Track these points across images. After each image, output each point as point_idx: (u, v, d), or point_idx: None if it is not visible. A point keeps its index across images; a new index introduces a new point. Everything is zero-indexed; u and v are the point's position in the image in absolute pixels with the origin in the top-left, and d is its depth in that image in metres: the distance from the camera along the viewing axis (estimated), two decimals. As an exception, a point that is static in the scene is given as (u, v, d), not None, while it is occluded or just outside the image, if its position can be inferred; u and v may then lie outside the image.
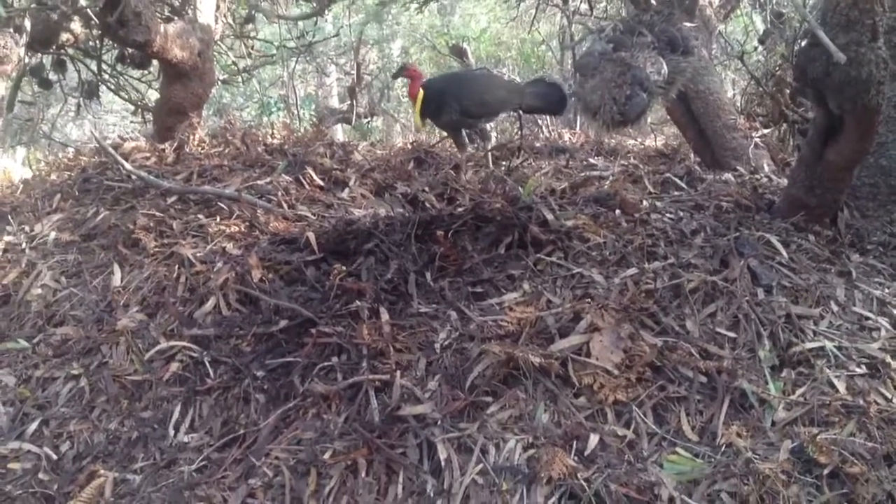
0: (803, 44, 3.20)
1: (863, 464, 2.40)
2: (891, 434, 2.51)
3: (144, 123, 7.43)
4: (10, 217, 4.13)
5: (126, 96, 7.19)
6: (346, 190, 4.19)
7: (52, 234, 3.75)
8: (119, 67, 6.59)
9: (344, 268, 3.13)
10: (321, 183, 4.22)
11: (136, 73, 7.12)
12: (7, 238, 3.85)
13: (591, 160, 5.03)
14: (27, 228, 3.91)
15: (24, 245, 3.76)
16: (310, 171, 4.24)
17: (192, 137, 4.86)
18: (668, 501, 2.33)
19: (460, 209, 3.47)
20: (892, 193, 3.72)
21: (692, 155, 5.06)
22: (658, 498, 2.34)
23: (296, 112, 10.25)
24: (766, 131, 5.14)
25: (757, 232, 3.30)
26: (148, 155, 4.50)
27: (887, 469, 2.43)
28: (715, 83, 4.82)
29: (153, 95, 7.19)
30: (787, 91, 5.44)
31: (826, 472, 2.39)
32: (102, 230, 3.70)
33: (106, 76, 6.61)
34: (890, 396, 2.66)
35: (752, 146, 4.73)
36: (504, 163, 4.71)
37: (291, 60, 9.93)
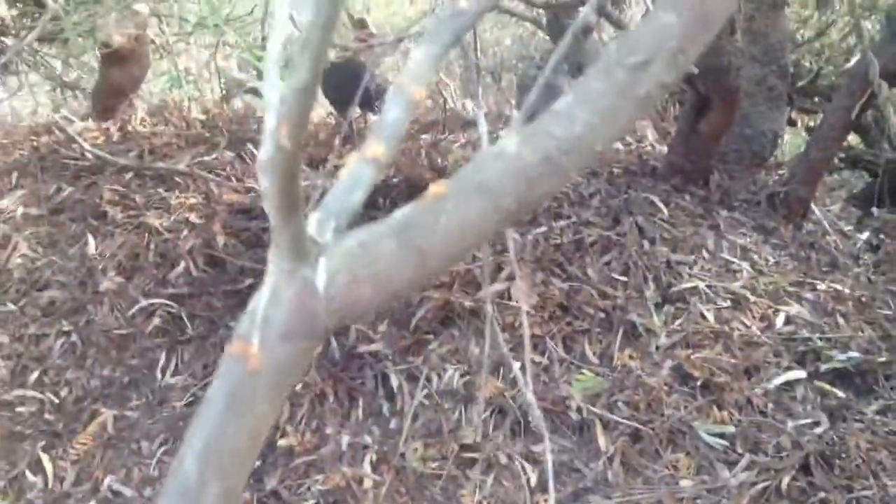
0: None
1: (727, 376, 3.01)
2: (749, 353, 3.13)
3: (65, 100, 7.56)
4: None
5: (44, 73, 7.31)
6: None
7: (20, 210, 4.05)
8: (35, 45, 6.74)
9: (297, 232, 3.58)
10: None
11: (52, 50, 7.25)
12: (-27, 214, 4.14)
13: (500, 133, 5.53)
14: (-8, 204, 4.20)
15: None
16: (250, 146, 4.63)
17: (132, 117, 5.16)
18: (577, 410, 2.89)
19: (395, 179, 3.95)
20: (755, 158, 4.36)
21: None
22: (569, 408, 2.90)
23: (218, 87, 10.44)
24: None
25: (643, 193, 3.87)
26: (97, 134, 4.79)
27: (747, 380, 3.05)
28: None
29: (70, 73, 7.34)
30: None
31: (699, 383, 2.99)
32: (69, 205, 4.02)
33: (25, 54, 6.76)
34: (749, 324, 3.27)
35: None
36: (424, 136, 5.17)
37: (207, 35, 10.08)
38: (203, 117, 5.34)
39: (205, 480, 0.61)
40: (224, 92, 9.67)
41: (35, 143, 4.78)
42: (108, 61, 5.45)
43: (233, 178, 4.24)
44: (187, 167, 4.26)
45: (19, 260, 3.73)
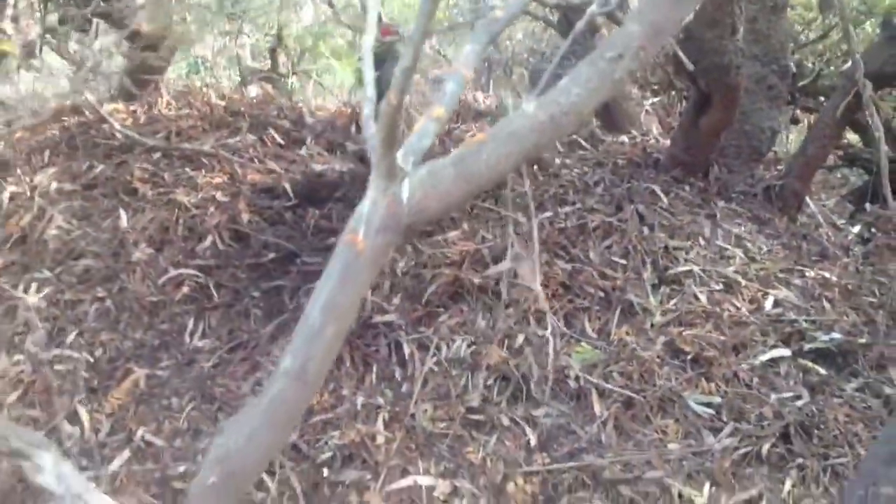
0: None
1: (716, 352, 3.24)
2: (738, 332, 3.36)
3: (90, 82, 7.79)
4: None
5: (68, 57, 7.55)
6: (304, 148, 4.84)
7: (54, 185, 4.30)
8: (60, 29, 6.98)
9: (318, 211, 3.82)
10: (281, 142, 4.86)
11: (75, 35, 7.47)
12: (11, 188, 4.38)
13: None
14: (27, 179, 4.44)
15: (28, 193, 4.29)
16: (271, 131, 4.88)
17: (158, 100, 5.40)
18: (575, 379, 3.12)
19: (410, 164, 4.17)
20: (753, 153, 4.58)
21: (594, 119, 5.83)
22: (568, 377, 3.13)
23: (235, 74, 10.68)
24: (655, 99, 5.95)
25: (644, 183, 4.09)
26: (125, 116, 5.04)
27: (734, 356, 3.27)
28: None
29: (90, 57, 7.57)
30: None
31: (689, 357, 3.22)
32: (101, 181, 4.26)
33: (48, 37, 6.99)
34: (739, 306, 3.50)
35: (643, 113, 5.55)
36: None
37: (225, 24, 10.31)
38: (223, 102, 5.56)
39: (324, 324, 0.90)
40: (241, 78, 9.91)
41: (65, 123, 5.02)
42: (137, 47, 5.70)
43: (255, 160, 4.47)
44: (212, 148, 4.50)
45: (55, 231, 3.97)
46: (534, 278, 3.47)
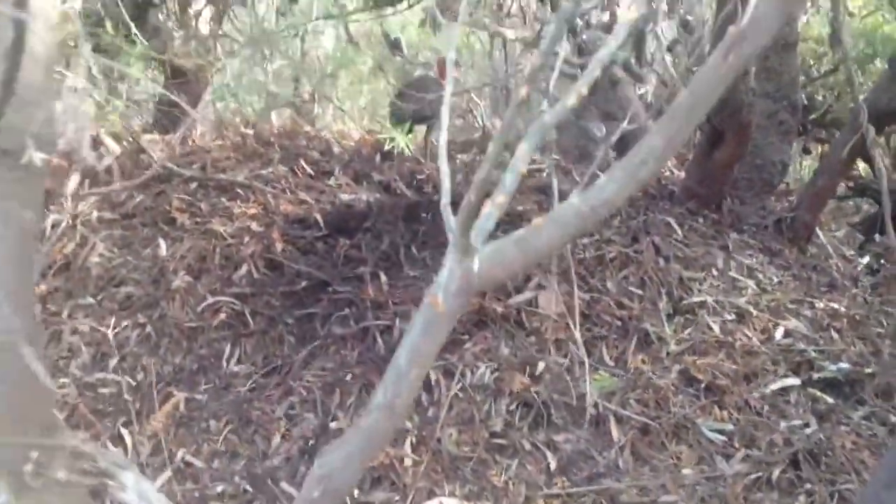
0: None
1: (728, 380, 3.36)
2: (749, 361, 3.48)
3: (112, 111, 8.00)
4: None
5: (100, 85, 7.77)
6: (333, 178, 5.00)
7: (95, 213, 4.47)
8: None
9: (347, 241, 3.98)
10: (311, 172, 5.02)
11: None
12: (53, 216, 4.56)
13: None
14: (69, 208, 4.62)
15: (70, 221, 4.47)
16: (302, 162, 5.04)
17: (194, 132, 5.59)
18: (594, 406, 3.25)
19: (435, 197, 4.32)
20: (765, 186, 4.71)
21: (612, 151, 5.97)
22: (587, 404, 3.26)
23: (257, 100, 10.85)
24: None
25: (660, 215, 4.23)
26: (163, 147, 5.22)
27: (746, 384, 3.39)
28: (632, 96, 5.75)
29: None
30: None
31: (703, 385, 3.35)
32: (140, 210, 4.43)
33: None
34: (751, 336, 3.62)
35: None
36: (461, 156, 5.56)
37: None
38: (251, 132, 5.72)
39: (409, 368, 1.11)
40: (265, 105, 10.10)
41: (98, 154, 5.19)
42: (172, 79, 5.89)
43: (287, 191, 4.63)
44: (246, 179, 4.67)
45: (97, 259, 4.13)
46: (554, 307, 3.61)
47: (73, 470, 1.04)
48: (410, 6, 5.57)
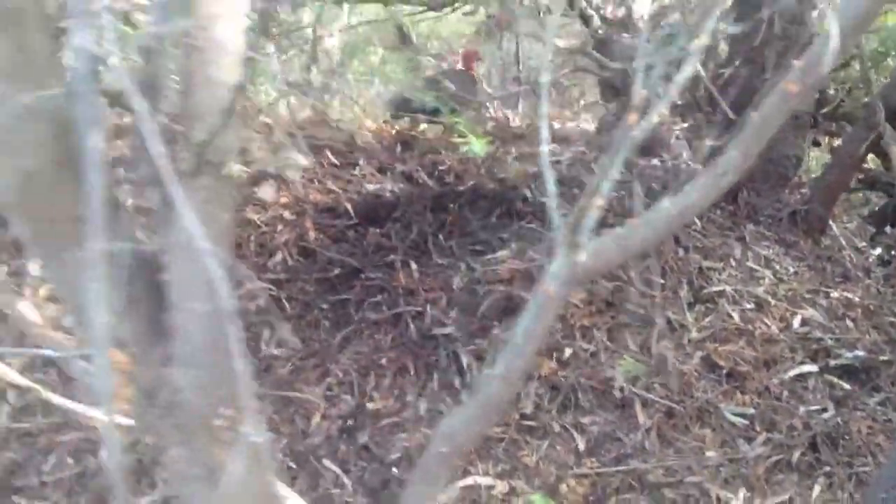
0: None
1: (749, 367, 3.45)
2: (769, 348, 3.57)
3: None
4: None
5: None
6: (358, 168, 5.08)
7: (129, 200, 4.55)
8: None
9: (377, 230, 4.06)
10: (336, 162, 5.10)
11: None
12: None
13: (551, 147, 5.99)
14: (105, 196, 4.70)
15: (107, 209, 4.55)
16: (327, 152, 5.12)
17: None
18: (619, 390, 3.34)
19: (460, 188, 4.41)
20: (780, 179, 4.79)
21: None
22: (613, 388, 3.36)
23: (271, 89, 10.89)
24: (685, 124, 6.16)
25: (679, 207, 4.31)
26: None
27: (766, 371, 3.49)
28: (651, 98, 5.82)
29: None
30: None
31: (724, 372, 3.44)
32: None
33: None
34: (770, 324, 3.71)
35: (673, 138, 5.76)
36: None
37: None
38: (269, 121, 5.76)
39: (525, 344, 1.22)
40: (278, 94, 10.14)
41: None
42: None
43: (315, 181, 4.72)
44: (276, 170, 4.75)
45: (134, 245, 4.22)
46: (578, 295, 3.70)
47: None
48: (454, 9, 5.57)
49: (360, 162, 5.13)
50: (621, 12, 5.59)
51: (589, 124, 7.15)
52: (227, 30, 1.25)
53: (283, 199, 4.36)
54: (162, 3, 1.14)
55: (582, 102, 8.48)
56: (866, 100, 4.64)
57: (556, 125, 7.74)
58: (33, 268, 3.79)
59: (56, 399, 1.90)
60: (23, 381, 1.90)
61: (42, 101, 1.07)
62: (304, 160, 4.33)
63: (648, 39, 1.59)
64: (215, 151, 1.26)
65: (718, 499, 3.02)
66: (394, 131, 6.24)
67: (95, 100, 0.91)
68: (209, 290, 1.08)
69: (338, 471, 3.21)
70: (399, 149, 5.59)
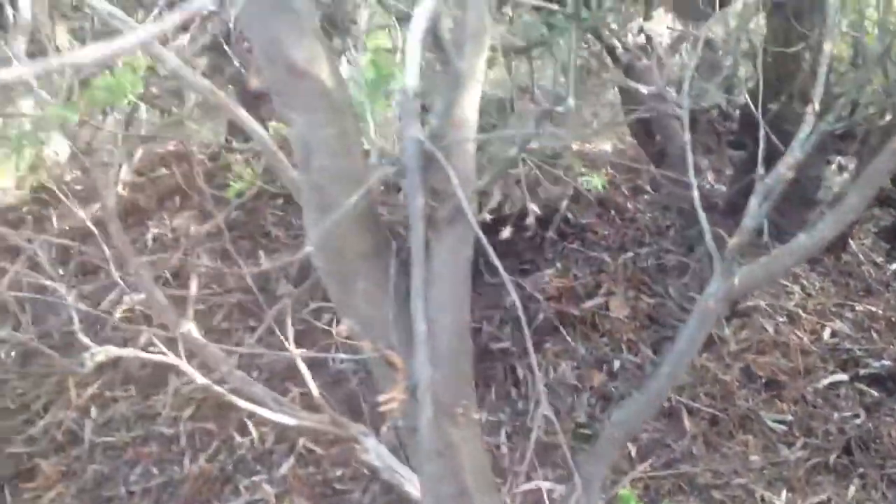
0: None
1: (785, 376, 3.65)
2: (802, 359, 3.77)
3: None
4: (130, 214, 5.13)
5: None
6: (401, 194, 5.30)
7: (192, 227, 4.78)
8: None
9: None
10: (381, 187, 5.33)
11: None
12: (153, 230, 4.86)
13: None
14: (167, 223, 4.93)
15: (170, 235, 4.78)
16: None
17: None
18: (667, 399, 3.54)
19: (507, 211, 4.62)
20: (802, 199, 4.99)
21: (651, 166, 6.27)
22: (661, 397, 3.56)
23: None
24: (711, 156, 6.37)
25: (710, 226, 4.52)
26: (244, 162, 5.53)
27: (801, 380, 3.69)
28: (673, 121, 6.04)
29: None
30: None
31: (763, 381, 3.64)
32: (236, 225, 4.75)
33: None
34: (802, 336, 3.91)
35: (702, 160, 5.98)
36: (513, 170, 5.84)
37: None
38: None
39: (688, 349, 1.48)
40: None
41: (182, 171, 5.49)
42: (247, 100, 6.20)
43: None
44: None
45: (203, 269, 4.44)
46: (623, 311, 3.91)
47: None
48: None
49: (403, 188, 5.34)
50: (641, 39, 5.82)
51: (606, 145, 7.38)
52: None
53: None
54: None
55: (595, 124, 8.70)
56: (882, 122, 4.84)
57: (575, 147, 7.97)
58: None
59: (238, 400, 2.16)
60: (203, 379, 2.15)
61: (353, 170, 1.33)
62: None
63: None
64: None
65: (763, 499, 3.21)
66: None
67: (417, 172, 1.15)
68: (455, 309, 1.37)
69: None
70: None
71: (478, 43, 1.40)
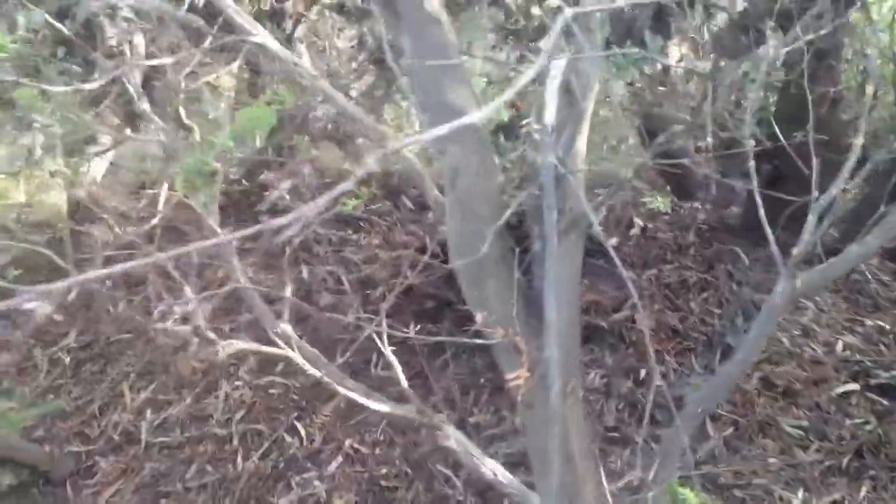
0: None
1: (801, 385, 3.88)
2: (816, 370, 3.99)
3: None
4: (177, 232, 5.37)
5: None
6: (431, 214, 5.55)
7: (235, 243, 5.01)
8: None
9: (465, 267, 4.52)
10: (411, 206, 5.57)
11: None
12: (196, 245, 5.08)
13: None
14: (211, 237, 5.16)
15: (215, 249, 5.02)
16: (403, 197, 5.59)
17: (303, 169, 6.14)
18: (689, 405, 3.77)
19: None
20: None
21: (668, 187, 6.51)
22: (685, 404, 3.78)
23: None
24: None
25: (727, 245, 4.76)
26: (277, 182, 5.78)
27: (815, 388, 3.91)
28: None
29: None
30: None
31: (780, 390, 3.86)
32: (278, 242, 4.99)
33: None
34: (816, 348, 4.14)
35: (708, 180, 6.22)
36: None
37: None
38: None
39: (758, 340, 1.72)
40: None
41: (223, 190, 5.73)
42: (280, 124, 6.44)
43: (398, 224, 5.18)
44: (364, 213, 5.22)
45: (248, 282, 4.68)
46: (647, 324, 4.14)
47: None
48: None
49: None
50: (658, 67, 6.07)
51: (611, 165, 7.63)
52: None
53: (375, 241, 4.82)
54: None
55: (605, 147, 8.94)
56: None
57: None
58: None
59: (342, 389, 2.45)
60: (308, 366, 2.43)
61: (490, 189, 1.60)
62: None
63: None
64: (581, 216, 1.80)
65: (781, 498, 3.43)
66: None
67: (553, 190, 1.40)
68: (570, 304, 1.64)
69: (449, 473, 3.65)
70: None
71: (592, 90, 1.67)
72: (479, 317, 1.91)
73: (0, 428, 3.99)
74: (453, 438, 2.60)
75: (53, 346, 4.69)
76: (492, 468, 2.73)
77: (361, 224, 5.10)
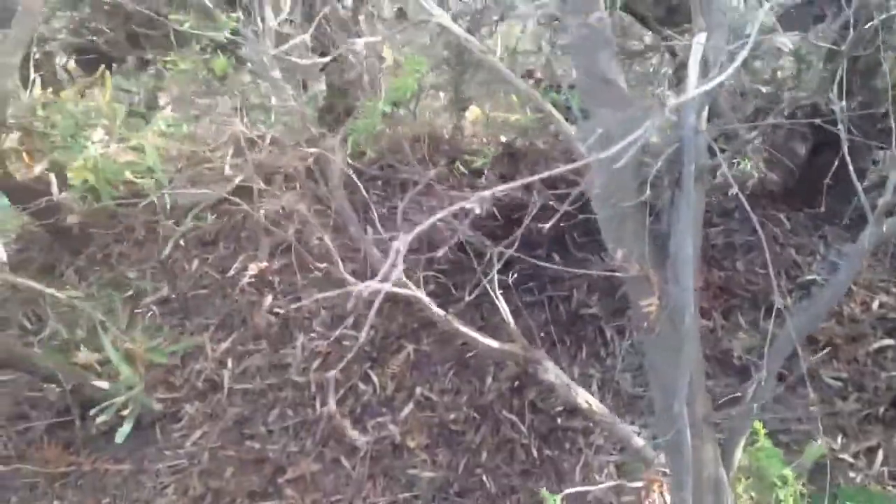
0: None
1: (840, 341, 4.13)
2: (854, 326, 4.24)
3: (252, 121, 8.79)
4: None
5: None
6: (483, 177, 5.80)
7: (301, 205, 5.30)
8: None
9: (517, 228, 4.78)
10: (464, 171, 5.83)
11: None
12: (265, 207, 5.39)
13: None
14: (279, 200, 5.44)
15: (282, 211, 5.30)
16: (457, 163, 5.84)
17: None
18: (738, 358, 4.04)
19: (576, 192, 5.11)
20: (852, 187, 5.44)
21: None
22: (732, 357, 4.06)
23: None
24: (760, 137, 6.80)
25: (771, 210, 5.00)
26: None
27: (854, 344, 4.16)
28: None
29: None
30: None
31: (821, 345, 4.12)
32: (341, 206, 5.27)
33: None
34: (854, 307, 4.37)
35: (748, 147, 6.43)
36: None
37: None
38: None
39: (848, 275, 2.09)
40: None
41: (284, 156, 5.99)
42: (333, 88, 6.69)
43: (454, 187, 5.44)
44: (420, 177, 5.47)
45: (317, 241, 4.98)
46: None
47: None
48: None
49: (485, 171, 5.84)
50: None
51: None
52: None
53: (433, 202, 5.09)
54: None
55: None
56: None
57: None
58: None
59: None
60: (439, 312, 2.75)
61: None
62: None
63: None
64: (705, 169, 2.15)
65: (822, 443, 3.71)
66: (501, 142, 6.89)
67: (693, 144, 1.69)
68: (694, 244, 1.98)
69: (514, 419, 3.95)
70: (506, 159, 6.28)
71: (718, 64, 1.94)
72: (619, 253, 2.20)
73: (156, 358, 4.38)
74: (552, 372, 2.91)
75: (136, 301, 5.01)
76: (586, 399, 3.03)
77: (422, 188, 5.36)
